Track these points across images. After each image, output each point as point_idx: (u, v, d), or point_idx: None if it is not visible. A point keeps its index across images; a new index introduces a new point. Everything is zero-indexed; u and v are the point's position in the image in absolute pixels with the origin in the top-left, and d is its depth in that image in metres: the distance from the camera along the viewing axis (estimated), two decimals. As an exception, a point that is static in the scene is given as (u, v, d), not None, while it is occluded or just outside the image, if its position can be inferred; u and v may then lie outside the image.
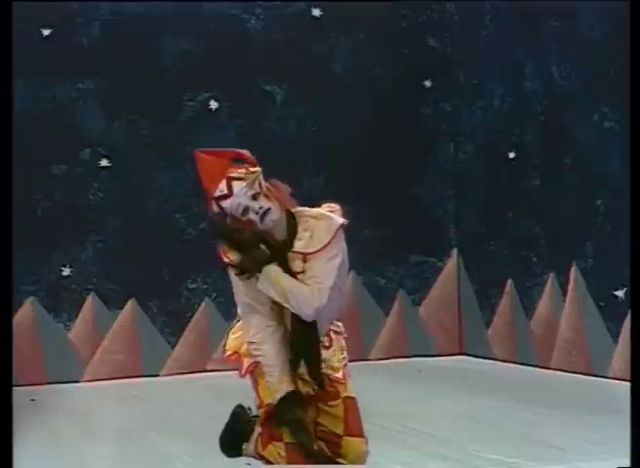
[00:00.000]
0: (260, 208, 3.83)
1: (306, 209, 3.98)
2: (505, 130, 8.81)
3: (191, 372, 8.69)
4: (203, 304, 8.79)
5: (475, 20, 9.13)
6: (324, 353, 4.06)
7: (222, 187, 3.87)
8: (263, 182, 3.91)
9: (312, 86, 9.16)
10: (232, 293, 4.01)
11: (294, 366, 3.96)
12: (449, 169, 9.51)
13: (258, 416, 4.14)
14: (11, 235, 4.06)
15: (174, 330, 8.79)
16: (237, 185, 3.86)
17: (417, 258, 9.43)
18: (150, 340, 8.72)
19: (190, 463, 5.35)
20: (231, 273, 3.93)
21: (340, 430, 4.05)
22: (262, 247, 3.88)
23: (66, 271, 8.59)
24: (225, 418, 4.24)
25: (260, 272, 3.85)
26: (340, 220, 3.93)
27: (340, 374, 4.09)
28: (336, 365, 4.08)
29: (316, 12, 9.21)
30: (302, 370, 4.00)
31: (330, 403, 4.07)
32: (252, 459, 4.27)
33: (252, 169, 3.92)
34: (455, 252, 9.50)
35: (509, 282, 8.76)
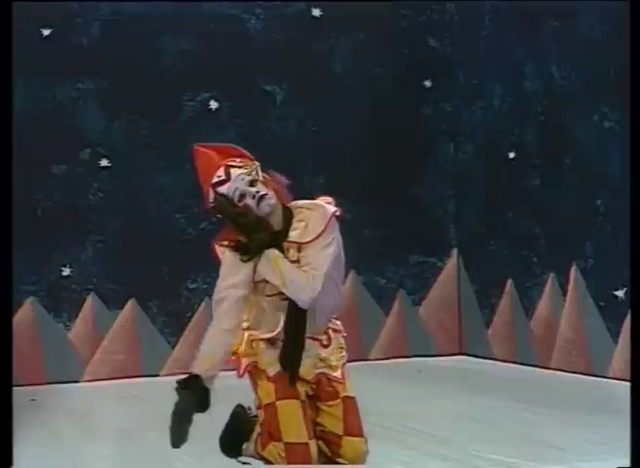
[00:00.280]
0: (257, 192, 3.88)
1: (300, 201, 4.02)
2: (505, 130, 8.81)
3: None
4: (203, 304, 8.78)
5: (475, 20, 9.13)
6: (323, 352, 4.06)
7: (220, 173, 3.94)
8: (261, 173, 3.96)
9: (312, 86, 9.16)
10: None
11: (288, 354, 3.98)
12: (449, 169, 9.51)
13: (257, 416, 4.14)
14: (11, 235, 4.07)
15: (174, 330, 8.79)
16: (235, 171, 3.91)
17: (417, 258, 9.43)
18: (150, 340, 8.72)
19: (190, 463, 5.35)
20: (228, 254, 3.95)
21: (339, 430, 4.05)
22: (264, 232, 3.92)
23: (66, 271, 8.59)
24: (225, 418, 4.24)
25: (261, 255, 3.89)
26: (333, 209, 3.96)
27: (338, 373, 4.10)
28: (334, 363, 4.09)
29: (316, 12, 9.21)
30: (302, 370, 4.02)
31: (329, 402, 4.07)
32: (251, 459, 4.27)
33: (250, 162, 3.99)
34: (455, 252, 9.50)
35: (509, 282, 8.77)
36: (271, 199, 3.91)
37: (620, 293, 7.48)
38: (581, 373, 7.82)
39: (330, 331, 4.11)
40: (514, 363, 8.65)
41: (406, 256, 9.39)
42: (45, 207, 8.58)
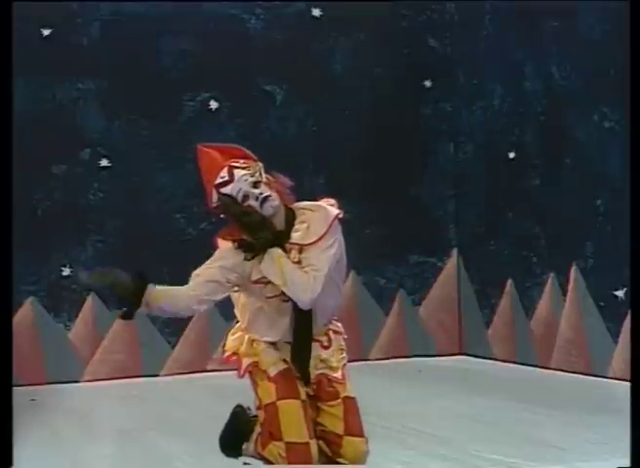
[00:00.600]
0: (261, 194, 3.89)
1: (303, 202, 4.03)
2: (505, 130, 8.81)
3: (191, 372, 8.69)
4: (203, 304, 8.77)
5: (475, 20, 9.13)
6: (323, 353, 4.07)
7: (224, 174, 3.95)
8: (264, 174, 3.98)
9: (312, 86, 9.16)
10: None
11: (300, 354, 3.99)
12: (449, 169, 9.51)
13: (257, 416, 4.15)
14: (11, 235, 4.07)
15: (174, 330, 8.79)
16: (238, 172, 3.93)
17: (417, 258, 9.43)
18: (150, 340, 8.72)
19: (190, 463, 5.35)
20: (225, 245, 3.96)
21: (340, 430, 4.06)
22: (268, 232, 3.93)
23: (66, 271, 8.58)
24: (225, 418, 4.24)
25: (264, 253, 3.89)
26: (336, 211, 3.97)
27: (338, 374, 4.10)
28: (334, 365, 4.09)
29: (316, 12, 9.21)
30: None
31: (329, 403, 4.07)
32: (251, 459, 4.28)
33: (254, 163, 4.00)
34: (455, 252, 9.50)
35: (509, 282, 8.76)
36: (274, 200, 3.92)
37: (620, 293, 7.48)
38: (581, 373, 7.82)
39: (330, 332, 4.12)
40: (514, 363, 8.65)
41: (406, 256, 9.39)
42: (45, 207, 8.58)
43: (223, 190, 3.93)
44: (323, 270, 3.88)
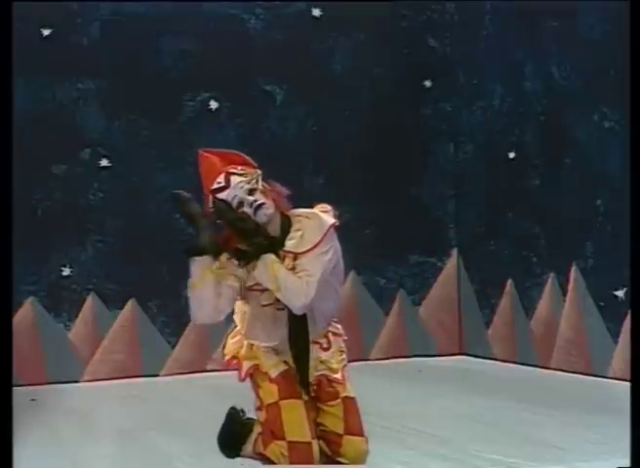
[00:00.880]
0: (255, 201, 3.91)
1: (299, 209, 4.04)
2: (505, 130, 8.81)
3: (191, 372, 8.69)
4: (203, 304, 8.77)
5: (475, 20, 9.13)
6: (323, 354, 4.08)
7: (221, 179, 3.98)
8: (261, 182, 3.99)
9: (312, 86, 9.16)
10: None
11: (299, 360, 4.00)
12: (449, 169, 9.51)
13: (252, 418, 4.17)
14: (11, 235, 4.06)
15: (174, 330, 8.78)
16: (235, 179, 3.94)
17: (417, 258, 9.43)
18: (150, 340, 8.72)
19: (190, 463, 5.35)
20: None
21: (340, 429, 4.07)
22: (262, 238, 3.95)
23: (66, 271, 8.59)
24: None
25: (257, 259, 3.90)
26: (332, 220, 3.99)
27: (338, 375, 4.12)
28: (335, 366, 4.11)
29: (316, 12, 9.21)
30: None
31: (329, 403, 4.08)
32: (250, 460, 4.28)
33: (252, 170, 4.01)
34: (455, 252, 9.50)
35: (509, 282, 8.76)
36: (269, 209, 3.94)
37: (620, 293, 7.48)
38: (581, 373, 7.82)
39: (330, 334, 4.13)
40: (514, 363, 8.65)
41: (406, 256, 9.39)
42: (45, 207, 8.57)
43: (219, 196, 3.96)
44: (316, 275, 3.89)
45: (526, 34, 8.49)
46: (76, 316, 8.62)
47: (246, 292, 3.99)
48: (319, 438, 4.05)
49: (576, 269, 7.99)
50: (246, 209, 3.93)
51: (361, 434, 4.11)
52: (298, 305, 3.89)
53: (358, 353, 8.44)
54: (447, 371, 8.63)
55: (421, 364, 8.95)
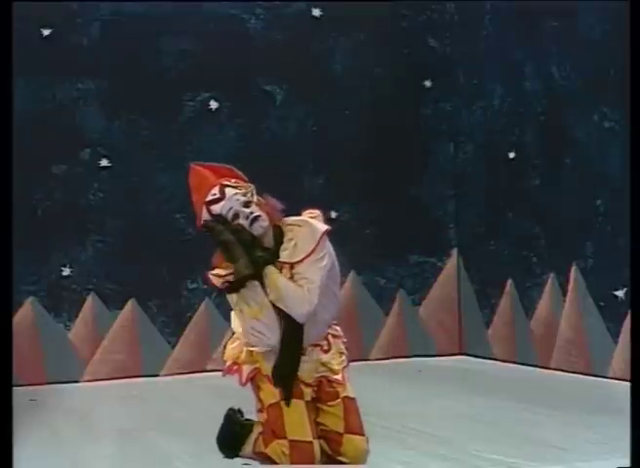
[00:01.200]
0: (251, 213, 3.92)
1: (289, 218, 4.05)
2: (505, 130, 8.80)
3: (191, 372, 8.69)
4: (203, 304, 8.78)
5: (475, 20, 9.13)
6: (324, 356, 4.10)
7: (215, 191, 3.98)
8: (255, 196, 4.00)
9: (312, 86, 9.16)
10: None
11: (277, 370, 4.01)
12: (449, 169, 9.51)
13: (250, 420, 4.18)
14: (11, 235, 4.07)
15: (174, 330, 8.79)
16: (230, 191, 3.95)
17: (417, 258, 9.42)
18: (150, 340, 8.72)
19: (190, 463, 5.35)
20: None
21: (340, 428, 4.08)
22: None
23: (66, 271, 8.59)
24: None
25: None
26: (324, 227, 4.00)
27: (339, 377, 4.13)
28: (335, 367, 4.13)
29: (316, 12, 9.21)
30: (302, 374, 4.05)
31: (329, 403, 4.10)
32: (250, 460, 4.28)
33: (245, 183, 4.03)
34: (455, 252, 9.50)
35: (509, 282, 8.76)
36: (264, 221, 3.96)
37: (620, 293, 7.48)
38: (581, 373, 7.82)
39: (330, 336, 4.15)
40: (514, 363, 8.65)
41: (406, 256, 9.39)
42: (45, 207, 8.57)
43: (214, 208, 3.96)
44: (316, 282, 3.91)
45: (526, 34, 8.49)
46: (76, 316, 8.61)
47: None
48: (320, 437, 4.06)
49: (576, 269, 7.99)
50: (241, 221, 3.95)
51: (361, 433, 4.12)
52: (302, 312, 3.91)
53: (358, 353, 8.44)
54: (447, 371, 8.63)
55: (421, 364, 8.95)
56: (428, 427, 6.03)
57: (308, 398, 4.06)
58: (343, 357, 4.19)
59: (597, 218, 7.76)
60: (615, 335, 7.53)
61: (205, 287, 8.65)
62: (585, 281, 7.90)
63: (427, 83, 9.47)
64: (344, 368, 4.18)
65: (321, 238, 3.97)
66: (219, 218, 3.96)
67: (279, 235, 4.00)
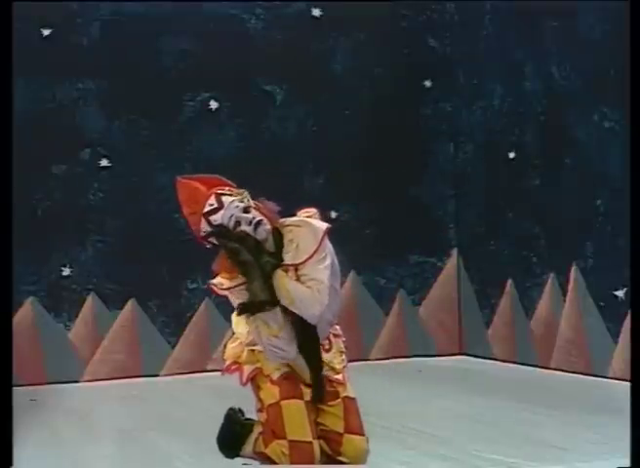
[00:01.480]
0: (254, 218, 3.89)
1: (287, 219, 4.04)
2: (505, 130, 8.80)
3: (191, 372, 8.69)
4: (203, 304, 8.78)
5: (475, 20, 9.13)
6: (325, 356, 4.10)
7: (212, 201, 3.93)
8: (251, 200, 3.98)
9: (312, 86, 9.16)
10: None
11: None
12: (449, 169, 9.51)
13: (251, 419, 4.17)
14: (11, 235, 4.07)
15: (174, 330, 8.79)
16: (227, 199, 3.91)
17: (417, 258, 9.42)
18: (150, 340, 8.72)
19: (190, 463, 5.35)
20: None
21: (340, 428, 4.08)
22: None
23: (66, 271, 8.58)
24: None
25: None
26: (324, 226, 3.99)
27: (340, 376, 4.13)
28: (337, 367, 4.13)
29: (316, 12, 9.21)
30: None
31: (329, 403, 4.10)
32: (250, 460, 4.28)
33: (237, 190, 4.00)
34: (455, 252, 9.49)
35: (509, 282, 8.76)
36: (267, 224, 3.94)
37: (620, 293, 7.48)
38: (581, 373, 7.82)
39: (331, 335, 4.14)
40: (514, 363, 8.65)
41: (406, 256, 9.39)
42: (45, 207, 8.57)
43: (213, 218, 3.92)
44: (324, 282, 3.91)
45: (526, 34, 8.49)
46: (76, 316, 8.61)
47: None
48: (320, 437, 4.06)
49: (576, 269, 7.99)
50: (244, 227, 3.91)
51: (361, 433, 4.12)
52: (314, 313, 3.90)
53: (358, 353, 8.45)
54: (447, 371, 8.63)
55: (421, 364, 8.95)
56: (428, 427, 6.03)
57: (308, 398, 4.05)
58: (343, 356, 4.19)
59: (597, 218, 7.76)
60: (615, 335, 7.53)
61: (205, 287, 8.65)
62: (585, 281, 7.90)
63: (427, 83, 9.47)
64: (344, 367, 4.18)
65: (323, 237, 3.96)
66: (221, 228, 3.92)
67: (278, 237, 3.99)
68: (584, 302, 7.89)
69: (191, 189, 4.00)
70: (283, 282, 3.90)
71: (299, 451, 3.96)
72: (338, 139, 9.19)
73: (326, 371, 4.10)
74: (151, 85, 8.78)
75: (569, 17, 7.99)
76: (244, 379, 4.13)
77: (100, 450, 5.81)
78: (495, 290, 8.92)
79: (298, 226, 4.00)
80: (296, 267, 3.94)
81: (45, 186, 8.55)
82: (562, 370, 8.04)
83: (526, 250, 8.54)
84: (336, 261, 4.06)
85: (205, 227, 3.97)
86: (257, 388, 4.10)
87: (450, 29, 9.45)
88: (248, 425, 4.19)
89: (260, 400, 4.09)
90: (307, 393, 4.06)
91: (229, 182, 4.05)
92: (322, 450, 4.06)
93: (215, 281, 4.06)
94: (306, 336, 3.97)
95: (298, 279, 3.93)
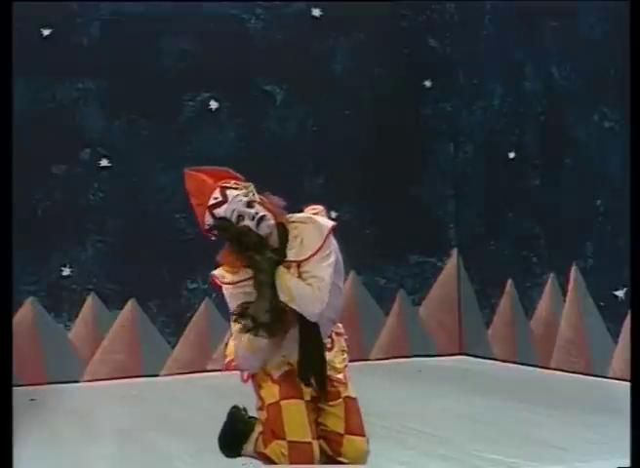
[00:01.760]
0: (257, 213, 3.88)
1: (293, 215, 4.02)
2: (505, 130, 8.81)
3: (191, 372, 8.69)
4: (203, 304, 8.78)
5: (475, 20, 9.13)
6: (327, 354, 4.08)
7: (217, 195, 3.93)
8: (257, 194, 3.96)
9: (312, 86, 9.16)
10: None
11: (303, 369, 3.99)
12: (449, 169, 9.51)
13: (254, 417, 4.16)
14: (11, 235, 4.06)
15: (174, 330, 8.79)
16: (232, 193, 3.90)
17: (417, 258, 9.43)
18: (150, 340, 8.72)
19: (190, 463, 5.35)
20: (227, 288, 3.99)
21: (340, 429, 4.07)
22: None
23: (66, 271, 8.59)
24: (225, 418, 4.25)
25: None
26: (330, 223, 3.97)
27: (341, 376, 4.12)
28: (338, 366, 4.12)
29: (316, 12, 9.21)
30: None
31: (330, 403, 4.09)
32: (251, 459, 4.28)
33: (244, 183, 3.99)
34: (455, 252, 9.50)
35: (509, 282, 8.76)
36: (270, 220, 3.91)
37: (620, 293, 7.48)
38: (581, 373, 7.82)
39: (333, 334, 4.13)
40: (514, 363, 8.65)
41: (406, 256, 9.39)
42: (45, 207, 8.57)
43: (217, 211, 3.92)
44: (326, 280, 3.89)
45: (526, 34, 8.49)
46: (76, 316, 8.62)
47: None
48: (320, 437, 4.05)
49: (576, 269, 7.99)
50: (247, 222, 3.89)
51: (362, 434, 4.12)
52: (314, 311, 3.89)
53: (358, 353, 8.44)
54: (447, 371, 8.63)
55: (421, 364, 8.95)
56: (428, 427, 6.03)
57: (308, 397, 4.05)
58: (345, 355, 4.18)
59: (597, 218, 7.76)
60: (615, 335, 7.53)
61: (205, 287, 8.66)
62: (585, 281, 7.90)
63: (427, 83, 9.48)
64: (346, 366, 4.17)
65: (327, 235, 3.94)
66: (224, 222, 3.91)
67: (283, 233, 3.97)
68: (584, 302, 7.89)
69: (199, 181, 4.00)
70: (285, 278, 3.89)
71: (298, 452, 3.95)
72: (338, 139, 9.20)
73: (328, 371, 4.08)
74: (151, 85, 8.79)
75: (569, 17, 7.99)
76: (244, 376, 4.13)
77: (100, 450, 5.81)
78: (495, 290, 8.92)
79: (303, 223, 3.98)
80: (298, 264, 3.93)
81: (45, 186, 8.56)
82: (562, 370, 8.04)
83: (526, 250, 8.54)
84: (340, 259, 4.04)
85: (209, 220, 3.97)
86: (257, 386, 4.10)
87: (450, 29, 9.45)
88: (250, 423, 4.18)
89: (260, 398, 4.09)
90: (308, 392, 4.06)
91: (237, 175, 4.04)
92: (322, 451, 4.06)
93: (217, 272, 4.05)
94: (308, 334, 3.96)
95: (299, 276, 3.92)
